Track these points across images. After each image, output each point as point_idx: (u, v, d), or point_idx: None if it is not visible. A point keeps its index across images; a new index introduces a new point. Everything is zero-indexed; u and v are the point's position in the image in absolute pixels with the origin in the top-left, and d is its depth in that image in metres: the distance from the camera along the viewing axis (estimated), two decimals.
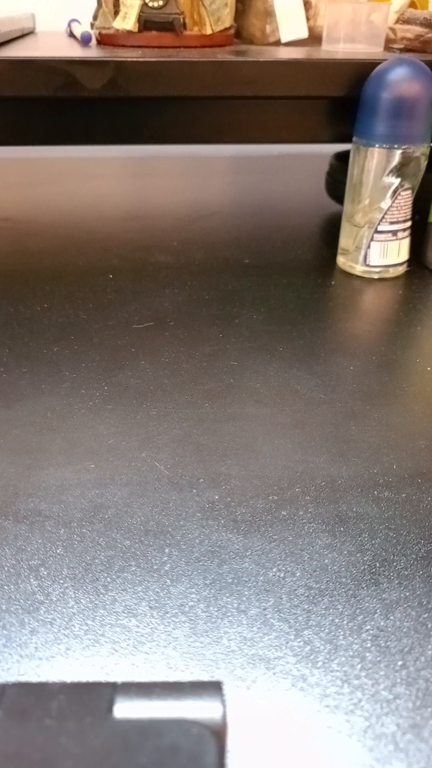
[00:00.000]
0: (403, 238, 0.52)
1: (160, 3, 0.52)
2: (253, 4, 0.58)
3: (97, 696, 0.18)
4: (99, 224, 0.65)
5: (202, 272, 0.54)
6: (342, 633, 0.23)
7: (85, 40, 0.54)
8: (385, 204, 0.49)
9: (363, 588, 0.25)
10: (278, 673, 0.22)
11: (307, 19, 0.58)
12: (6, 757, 0.16)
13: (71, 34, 0.64)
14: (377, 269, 0.52)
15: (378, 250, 0.51)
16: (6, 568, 0.26)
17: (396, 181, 0.49)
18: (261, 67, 0.46)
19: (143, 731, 0.17)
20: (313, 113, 0.55)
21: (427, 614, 0.24)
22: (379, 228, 0.50)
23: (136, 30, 0.53)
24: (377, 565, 0.26)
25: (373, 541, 0.27)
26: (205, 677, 0.22)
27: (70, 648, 0.23)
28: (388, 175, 0.48)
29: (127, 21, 0.53)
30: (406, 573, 0.26)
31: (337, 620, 0.24)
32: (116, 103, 0.52)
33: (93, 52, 0.48)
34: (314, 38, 0.58)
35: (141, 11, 0.52)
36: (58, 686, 0.19)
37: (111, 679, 0.22)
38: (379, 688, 0.21)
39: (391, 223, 0.50)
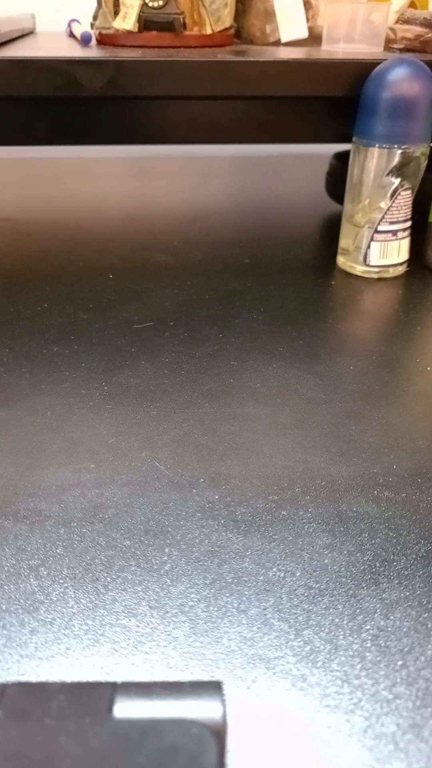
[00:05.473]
0: (403, 238, 0.52)
1: (160, 3, 0.52)
2: (253, 4, 0.58)
3: (97, 696, 0.18)
4: (99, 224, 0.65)
5: (202, 272, 0.54)
6: (342, 633, 0.23)
7: (85, 40, 0.54)
8: (385, 204, 0.49)
9: (363, 588, 0.25)
10: (278, 673, 0.22)
11: (307, 19, 0.58)
12: (6, 757, 0.16)
13: (71, 34, 0.64)
14: (377, 269, 0.52)
15: (378, 250, 0.51)
16: (6, 568, 0.26)
17: (396, 181, 0.49)
18: (261, 67, 0.46)
19: (143, 731, 0.17)
20: (313, 113, 0.55)
21: (427, 614, 0.24)
22: (379, 228, 0.50)
23: (136, 30, 0.53)
24: (377, 565, 0.26)
25: (373, 541, 0.27)
26: (205, 677, 0.22)
27: (70, 648, 0.23)
28: (388, 175, 0.48)
29: (127, 21, 0.53)
30: (406, 573, 0.26)
31: (337, 620, 0.24)
32: (116, 103, 0.52)
33: (93, 52, 0.48)
34: (314, 38, 0.58)
35: (141, 11, 0.52)
36: (58, 686, 0.19)
37: (111, 679, 0.22)
38: (379, 687, 0.21)
39: (391, 223, 0.50)
